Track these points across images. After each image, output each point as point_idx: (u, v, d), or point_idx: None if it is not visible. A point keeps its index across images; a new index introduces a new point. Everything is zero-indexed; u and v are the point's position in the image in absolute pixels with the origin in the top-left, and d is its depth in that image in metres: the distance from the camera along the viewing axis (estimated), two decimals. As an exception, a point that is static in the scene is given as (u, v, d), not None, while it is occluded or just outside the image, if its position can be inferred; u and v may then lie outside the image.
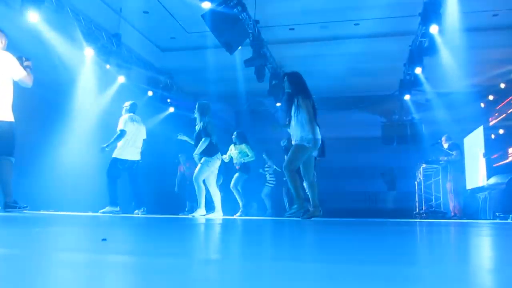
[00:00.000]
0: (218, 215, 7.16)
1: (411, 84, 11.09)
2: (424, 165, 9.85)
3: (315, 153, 5.68)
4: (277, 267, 1.06)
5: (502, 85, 12.15)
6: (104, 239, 1.51)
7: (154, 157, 8.67)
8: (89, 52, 8.83)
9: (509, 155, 10.49)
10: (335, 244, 1.85)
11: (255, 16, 8.82)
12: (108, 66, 9.35)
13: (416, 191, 10.67)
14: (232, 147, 9.42)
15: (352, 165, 13.55)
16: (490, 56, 10.86)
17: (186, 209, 10.99)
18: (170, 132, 11.63)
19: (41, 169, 8.02)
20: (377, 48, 10.65)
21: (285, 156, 10.07)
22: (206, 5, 7.58)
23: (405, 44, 9.96)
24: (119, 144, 7.63)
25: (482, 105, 13.15)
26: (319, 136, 5.56)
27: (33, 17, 7.12)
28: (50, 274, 0.89)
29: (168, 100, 12.68)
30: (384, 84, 12.61)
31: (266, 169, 10.76)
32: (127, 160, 7.67)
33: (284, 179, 10.33)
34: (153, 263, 1.05)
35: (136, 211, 7.74)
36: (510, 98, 11.73)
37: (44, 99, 7.99)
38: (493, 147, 11.04)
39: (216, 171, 7.24)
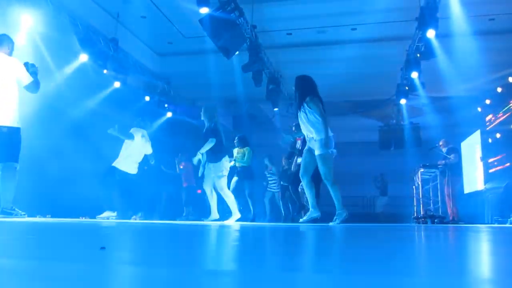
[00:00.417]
0: (235, 218, 7.10)
1: (408, 88, 11.12)
2: (422, 169, 9.84)
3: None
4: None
5: (499, 89, 12.19)
6: (103, 248, 1.44)
7: (152, 163, 8.63)
8: (84, 57, 8.82)
9: (506, 159, 10.50)
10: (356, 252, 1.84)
11: (252, 21, 8.83)
12: (105, 71, 9.34)
13: (414, 195, 10.66)
14: (235, 151, 9.37)
15: (349, 170, 13.52)
16: (487, 61, 10.86)
17: (184, 214, 10.96)
18: (168, 137, 11.63)
19: (37, 174, 7.98)
20: (374, 52, 10.67)
21: (283, 160, 10.15)
22: (204, 10, 7.59)
23: (402, 49, 9.99)
24: (123, 155, 7.72)
25: (479, 109, 13.19)
26: (331, 134, 5.59)
27: (29, 20, 7.12)
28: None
29: (166, 105, 12.67)
30: (381, 89, 12.63)
31: (268, 174, 10.72)
32: (125, 172, 7.73)
33: (283, 183, 10.34)
34: (155, 275, 1.03)
35: (134, 216, 7.74)
36: (507, 102, 11.75)
37: (41, 104, 7.97)
38: (490, 151, 11.07)
39: (227, 173, 7.10)
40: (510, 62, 11.01)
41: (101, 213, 7.47)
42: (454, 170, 9.79)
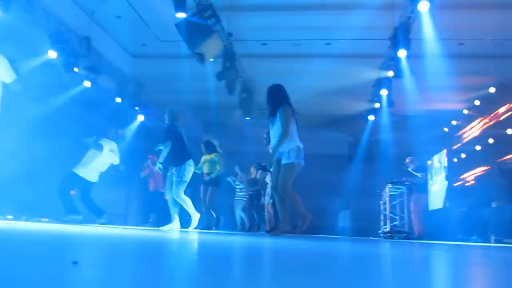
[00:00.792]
0: (194, 224, 6.99)
1: (379, 105, 11.30)
2: (389, 185, 9.98)
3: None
4: None
5: (465, 111, 12.56)
6: (75, 262, 1.24)
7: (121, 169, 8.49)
8: (52, 54, 8.59)
9: (470, 178, 10.78)
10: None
11: (229, 29, 8.80)
12: (76, 69, 9.12)
13: (382, 211, 10.78)
14: (203, 158, 9.24)
15: (318, 182, 13.58)
16: (455, 83, 11.17)
17: (150, 220, 10.76)
18: (139, 141, 11.44)
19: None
20: (347, 68, 10.81)
21: (252, 168, 10.10)
22: (181, 15, 7.51)
23: (374, 66, 10.15)
24: (86, 162, 7.59)
25: (446, 129, 13.54)
26: (302, 146, 5.54)
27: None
28: None
29: (137, 108, 12.46)
30: (353, 104, 12.80)
31: (237, 183, 10.60)
32: (85, 179, 7.61)
33: (250, 192, 10.29)
34: None
35: (99, 220, 7.61)
36: (473, 124, 12.11)
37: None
38: (455, 170, 11.34)
39: (188, 179, 6.98)
40: (477, 86, 11.36)
41: (65, 215, 7.30)
42: (420, 188, 9.98)
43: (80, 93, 9.99)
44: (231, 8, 8.46)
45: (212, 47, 8.42)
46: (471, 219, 9.00)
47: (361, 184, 13.21)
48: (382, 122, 13.12)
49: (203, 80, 10.38)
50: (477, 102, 11.98)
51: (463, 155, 12.23)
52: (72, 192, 7.69)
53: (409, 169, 10.00)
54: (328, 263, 2.02)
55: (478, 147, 11.76)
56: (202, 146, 9.32)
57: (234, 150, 12.49)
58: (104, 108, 10.82)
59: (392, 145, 13.29)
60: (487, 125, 11.60)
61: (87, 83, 9.86)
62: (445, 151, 11.56)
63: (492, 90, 11.26)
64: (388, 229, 9.87)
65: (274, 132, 5.60)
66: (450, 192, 10.62)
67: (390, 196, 10.15)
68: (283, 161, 5.50)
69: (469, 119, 12.52)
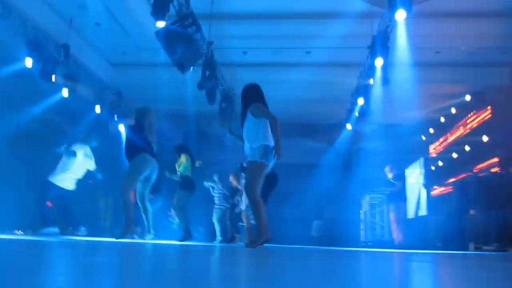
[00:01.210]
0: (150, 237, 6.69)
1: (357, 114, 11.40)
2: (369, 195, 10.06)
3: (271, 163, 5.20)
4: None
5: (442, 119, 12.77)
6: None
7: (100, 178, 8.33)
8: (28, 61, 8.43)
9: (448, 187, 10.93)
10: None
11: (209, 37, 8.79)
12: (53, 77, 8.98)
13: (361, 219, 10.84)
14: (176, 164, 8.85)
15: (296, 191, 13.57)
16: (432, 91, 11.38)
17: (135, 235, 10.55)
18: (119, 150, 11.28)
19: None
20: (327, 77, 10.86)
21: (231, 176, 10.01)
22: (160, 24, 7.41)
23: (353, 75, 10.25)
24: (61, 170, 7.45)
25: (423, 137, 13.74)
26: (269, 144, 5.12)
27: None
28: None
29: (115, 117, 12.29)
30: (332, 113, 12.88)
31: (215, 191, 10.46)
32: (62, 188, 7.47)
33: (232, 201, 10.18)
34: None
35: (77, 232, 7.46)
36: (450, 132, 12.30)
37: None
38: (433, 178, 11.49)
39: (152, 179, 6.55)
40: (453, 94, 11.58)
41: (41, 228, 7.13)
42: (399, 196, 10.08)
43: (58, 101, 9.82)
44: (212, 16, 8.46)
45: (192, 56, 8.39)
46: (449, 227, 9.11)
47: (340, 193, 13.25)
48: (361, 131, 13.24)
49: (183, 89, 10.34)
50: (453, 110, 12.21)
51: (440, 163, 12.41)
52: (48, 203, 7.51)
53: (388, 177, 10.10)
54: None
55: (455, 155, 11.95)
56: (173, 151, 8.79)
57: (214, 160, 12.44)
58: (83, 116, 10.67)
59: (371, 153, 13.41)
60: (463, 132, 11.81)
61: (65, 91, 9.71)
62: (422, 159, 11.71)
63: (467, 98, 11.49)
64: (368, 238, 9.93)
65: (247, 133, 5.30)
66: (428, 201, 10.75)
67: (370, 205, 10.22)
68: (248, 159, 5.20)
69: (446, 127, 12.73)
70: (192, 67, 8.64)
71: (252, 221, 8.25)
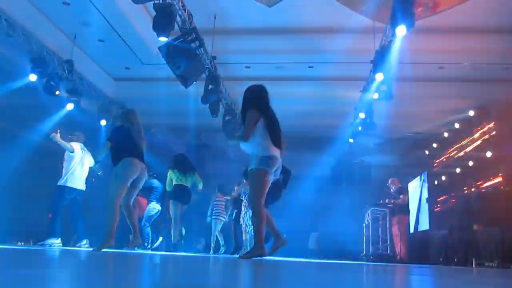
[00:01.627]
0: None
1: (361, 128, 11.40)
2: (372, 208, 10.02)
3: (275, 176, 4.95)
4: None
5: (446, 134, 12.74)
6: None
7: (96, 186, 8.38)
8: (33, 77, 8.52)
9: (451, 201, 10.87)
10: None
11: (212, 52, 8.86)
12: (58, 92, 9.05)
13: (364, 233, 10.78)
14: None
15: (300, 204, 13.54)
16: (436, 106, 11.37)
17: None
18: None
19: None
20: (330, 91, 10.90)
21: (236, 187, 10.01)
22: (163, 39, 7.45)
23: (356, 89, 10.26)
24: (68, 171, 7.45)
25: (427, 152, 13.70)
26: (274, 154, 4.87)
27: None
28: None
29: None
30: (335, 127, 12.88)
31: (215, 203, 10.52)
32: (75, 188, 7.45)
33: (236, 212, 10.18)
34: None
35: (79, 244, 7.44)
36: (453, 146, 12.26)
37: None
38: (436, 193, 11.43)
39: (139, 186, 5.99)
40: (457, 109, 11.56)
41: (43, 239, 7.11)
42: (402, 210, 10.03)
43: (63, 117, 9.91)
44: (215, 31, 8.53)
45: (196, 70, 8.45)
46: (452, 242, 9.05)
47: (342, 206, 13.20)
48: (364, 145, 13.23)
49: (186, 102, 10.40)
50: (457, 125, 12.18)
51: (443, 178, 12.36)
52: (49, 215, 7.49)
53: (391, 191, 10.07)
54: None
55: (458, 170, 11.91)
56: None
57: (216, 172, 12.46)
58: (88, 131, 10.75)
59: (374, 167, 13.39)
60: (467, 148, 11.77)
61: (69, 106, 9.79)
62: (426, 173, 11.67)
63: (471, 113, 11.46)
64: (370, 252, 9.87)
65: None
66: (431, 215, 10.69)
67: (373, 218, 10.18)
68: (249, 167, 4.94)
69: (449, 142, 12.70)
70: (195, 81, 8.71)
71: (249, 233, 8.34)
